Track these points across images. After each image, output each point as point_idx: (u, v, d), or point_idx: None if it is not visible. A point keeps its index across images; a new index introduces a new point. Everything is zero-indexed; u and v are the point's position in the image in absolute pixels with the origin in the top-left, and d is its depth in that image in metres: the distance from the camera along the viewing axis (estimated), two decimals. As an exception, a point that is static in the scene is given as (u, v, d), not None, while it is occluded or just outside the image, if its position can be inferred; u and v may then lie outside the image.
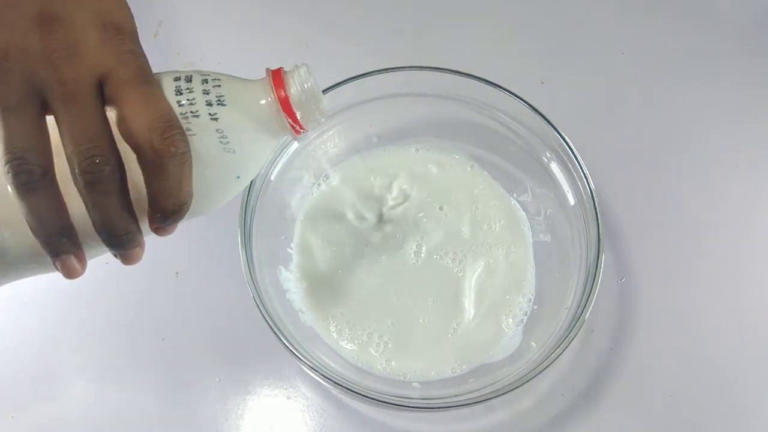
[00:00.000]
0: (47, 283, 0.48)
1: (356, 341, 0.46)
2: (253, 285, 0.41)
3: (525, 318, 0.47)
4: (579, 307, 0.42)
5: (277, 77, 0.31)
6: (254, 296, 0.41)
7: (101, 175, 0.25)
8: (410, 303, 0.47)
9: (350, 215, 0.50)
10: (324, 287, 0.48)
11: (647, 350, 0.48)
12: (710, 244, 0.52)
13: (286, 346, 0.40)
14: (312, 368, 0.39)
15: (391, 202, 0.51)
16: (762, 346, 0.49)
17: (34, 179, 0.25)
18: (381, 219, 0.50)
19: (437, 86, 0.49)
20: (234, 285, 0.45)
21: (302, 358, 0.39)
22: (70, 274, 0.28)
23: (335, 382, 0.39)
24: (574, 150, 0.46)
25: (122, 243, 0.28)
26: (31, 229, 0.26)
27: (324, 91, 0.46)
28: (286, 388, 0.46)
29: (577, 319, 0.41)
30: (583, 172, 0.45)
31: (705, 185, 0.55)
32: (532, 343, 0.45)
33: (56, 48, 0.25)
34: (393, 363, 0.45)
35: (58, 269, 0.28)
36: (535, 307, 0.47)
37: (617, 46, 0.62)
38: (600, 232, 0.43)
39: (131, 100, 0.26)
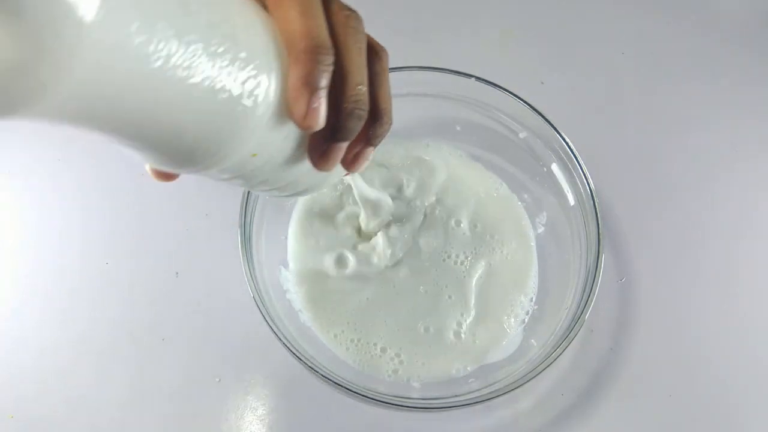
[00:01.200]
0: (48, 283, 0.49)
1: (367, 353, 0.46)
2: (253, 285, 0.41)
3: (527, 317, 0.47)
4: (579, 307, 0.42)
5: None
6: (254, 296, 0.40)
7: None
8: (412, 304, 0.47)
9: (348, 217, 0.50)
10: (324, 290, 0.47)
11: (647, 350, 0.48)
12: (710, 244, 0.52)
13: (286, 346, 0.40)
14: (312, 368, 0.39)
15: (390, 203, 0.50)
16: (761, 346, 0.49)
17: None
18: (380, 220, 0.50)
19: (437, 86, 0.49)
20: (234, 285, 0.45)
21: (302, 358, 0.39)
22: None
23: (335, 383, 0.39)
24: (574, 150, 0.46)
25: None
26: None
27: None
28: (285, 388, 0.46)
29: (577, 319, 0.41)
30: (583, 172, 0.45)
31: (705, 185, 0.55)
32: (533, 341, 0.45)
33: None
34: (400, 371, 0.45)
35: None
36: (536, 307, 0.47)
37: (617, 46, 0.62)
38: (600, 232, 0.43)
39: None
